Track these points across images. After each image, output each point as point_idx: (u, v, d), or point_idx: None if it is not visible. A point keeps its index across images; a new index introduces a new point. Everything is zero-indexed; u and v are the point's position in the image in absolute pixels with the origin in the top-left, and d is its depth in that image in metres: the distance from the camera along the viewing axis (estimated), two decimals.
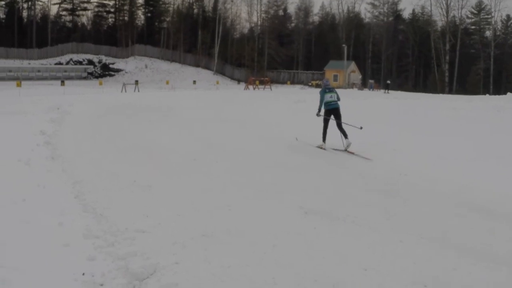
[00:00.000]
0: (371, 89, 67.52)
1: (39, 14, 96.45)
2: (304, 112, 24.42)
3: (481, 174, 11.72)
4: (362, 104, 35.13)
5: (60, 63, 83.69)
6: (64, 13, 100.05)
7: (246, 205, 8.65)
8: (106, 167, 11.43)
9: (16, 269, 5.54)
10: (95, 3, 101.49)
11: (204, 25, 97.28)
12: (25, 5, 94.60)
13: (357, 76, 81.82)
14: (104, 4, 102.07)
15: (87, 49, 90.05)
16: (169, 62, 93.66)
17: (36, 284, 5.27)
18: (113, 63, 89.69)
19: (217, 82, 68.18)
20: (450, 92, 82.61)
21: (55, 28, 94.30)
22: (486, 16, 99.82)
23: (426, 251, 6.68)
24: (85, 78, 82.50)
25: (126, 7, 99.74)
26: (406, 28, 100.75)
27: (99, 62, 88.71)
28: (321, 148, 15.54)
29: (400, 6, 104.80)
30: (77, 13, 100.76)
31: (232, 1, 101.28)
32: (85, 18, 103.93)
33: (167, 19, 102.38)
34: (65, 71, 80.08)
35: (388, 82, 65.15)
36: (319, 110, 16.11)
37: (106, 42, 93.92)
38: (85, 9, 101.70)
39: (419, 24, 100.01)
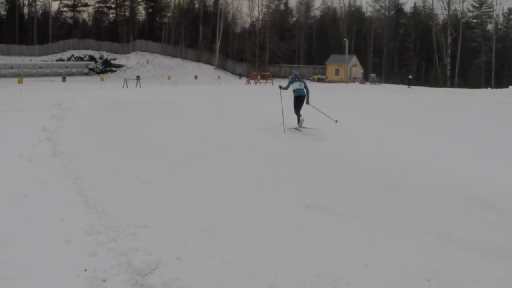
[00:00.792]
0: (372, 83, 67.34)
1: (40, 11, 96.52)
2: (305, 108, 24.42)
3: (484, 169, 11.68)
4: (363, 98, 35.10)
5: (61, 60, 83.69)
6: (65, 9, 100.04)
7: (247, 200, 8.65)
8: (107, 163, 11.43)
9: (18, 266, 5.55)
10: None
11: (205, 20, 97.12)
12: (26, 2, 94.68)
13: (358, 70, 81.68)
14: (105, 0, 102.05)
15: (89, 45, 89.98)
16: (171, 58, 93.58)
17: (38, 280, 5.28)
18: (114, 59, 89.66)
19: (219, 77, 68.22)
20: (452, 85, 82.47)
21: (56, 24, 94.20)
22: (487, 10, 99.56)
23: (429, 246, 6.67)
24: (86, 74, 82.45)
25: (127, 3, 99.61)
26: (408, 22, 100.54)
27: (101, 58, 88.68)
28: (297, 129, 17.64)
29: (401, 0, 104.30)
30: (78, 9, 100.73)
31: None
32: (86, 14, 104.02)
33: (168, 14, 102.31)
34: (67, 67, 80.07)
35: (410, 77, 64.86)
36: (284, 88, 18.79)
37: (107, 38, 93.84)
38: (86, 5, 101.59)
39: (421, 18, 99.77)
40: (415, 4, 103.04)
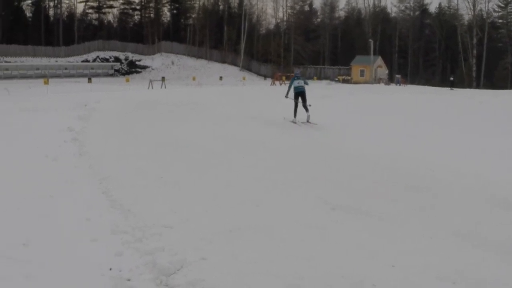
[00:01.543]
0: (398, 84, 66.95)
1: (66, 13, 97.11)
2: (330, 107, 24.41)
3: (510, 170, 11.60)
4: (389, 99, 34.94)
5: (86, 61, 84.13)
6: (90, 11, 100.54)
7: (273, 200, 8.64)
8: (133, 163, 11.46)
9: (43, 265, 5.58)
10: (121, 1, 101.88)
11: (230, 21, 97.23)
12: (51, 4, 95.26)
13: (383, 71, 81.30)
14: (130, 1, 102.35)
15: (114, 46, 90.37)
16: (195, 59, 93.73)
17: (63, 279, 5.30)
18: (139, 60, 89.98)
19: (244, 78, 68.13)
20: (478, 86, 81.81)
21: (81, 26, 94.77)
22: None
23: (454, 246, 6.63)
24: (111, 75, 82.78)
25: (151, 4, 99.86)
26: (433, 22, 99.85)
27: (126, 59, 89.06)
28: (293, 122, 19.97)
29: (426, 0, 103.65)
30: (103, 10, 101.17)
31: None
32: (111, 15, 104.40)
33: (193, 16, 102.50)
34: (92, 69, 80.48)
35: (452, 78, 64.34)
36: (287, 93, 20.98)
37: (132, 39, 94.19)
38: (111, 6, 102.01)
39: (446, 18, 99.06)
40: (440, 4, 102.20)
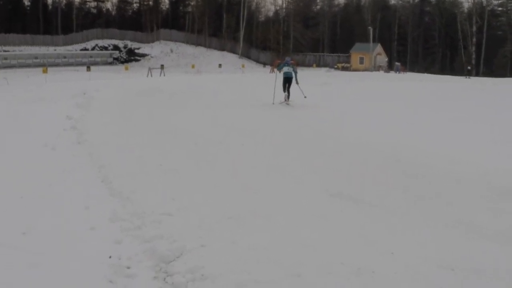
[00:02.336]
0: (397, 72, 66.86)
1: (64, 1, 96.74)
2: (329, 97, 24.44)
3: (509, 158, 11.59)
4: (387, 86, 34.93)
5: (85, 49, 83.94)
6: None
7: (272, 187, 8.64)
8: (132, 152, 11.45)
9: (43, 253, 5.59)
10: None
11: (229, 8, 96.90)
12: None
13: (383, 59, 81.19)
14: None
15: (112, 34, 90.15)
16: (195, 46, 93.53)
17: (63, 267, 5.31)
18: (138, 48, 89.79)
19: (243, 66, 68.03)
20: (477, 74, 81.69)
21: (80, 14, 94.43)
22: None
23: (453, 234, 6.63)
24: (110, 63, 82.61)
25: None
26: (432, 10, 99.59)
27: (125, 47, 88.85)
28: (286, 103, 22.30)
29: None
30: None
31: None
32: (110, 3, 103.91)
33: (192, 3, 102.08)
34: (91, 57, 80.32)
35: (469, 68, 64.11)
36: (278, 71, 23.70)
37: (131, 27, 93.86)
38: None
39: (445, 6, 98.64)
40: None
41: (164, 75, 49.00)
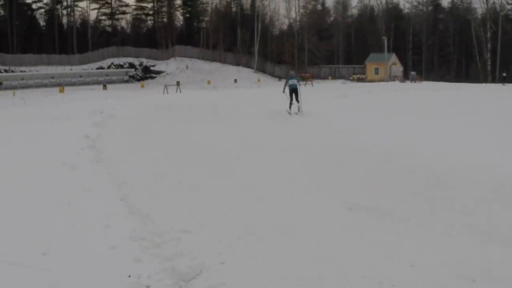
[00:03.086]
0: (413, 81, 66.67)
1: (79, 20, 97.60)
2: (345, 109, 24.43)
3: None
4: (404, 96, 34.84)
5: (101, 68, 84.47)
6: (103, 17, 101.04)
7: (290, 202, 8.63)
8: (150, 169, 11.48)
9: (63, 273, 5.59)
10: (133, 6, 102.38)
11: (243, 23, 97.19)
12: (64, 12, 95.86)
13: (398, 69, 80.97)
14: (143, 7, 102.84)
15: (128, 52, 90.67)
16: (210, 62, 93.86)
17: (83, 287, 5.31)
18: (154, 65, 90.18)
19: (258, 80, 68.10)
20: (493, 81, 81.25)
21: (95, 33, 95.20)
22: None
23: (474, 244, 6.59)
24: (126, 81, 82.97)
25: (164, 9, 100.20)
26: (446, 17, 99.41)
27: (140, 64, 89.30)
28: (288, 112, 23.66)
29: None
30: (116, 17, 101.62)
31: None
32: (124, 21, 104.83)
33: (206, 19, 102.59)
34: (107, 75, 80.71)
35: (504, 74, 63.65)
36: (284, 89, 25.31)
37: (146, 44, 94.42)
38: (124, 12, 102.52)
39: (459, 13, 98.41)
40: None
41: (180, 92, 49.08)
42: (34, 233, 6.91)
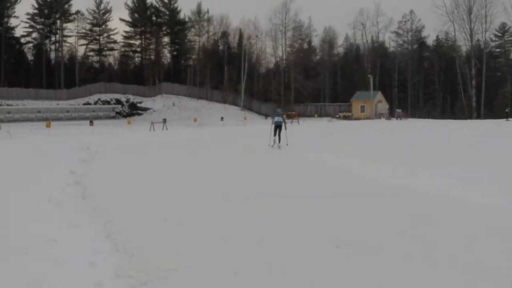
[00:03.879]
0: (398, 119, 67.17)
1: (67, 55, 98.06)
2: (333, 146, 24.51)
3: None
4: (390, 134, 35.02)
5: (88, 103, 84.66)
6: (91, 53, 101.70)
7: (279, 241, 8.59)
8: (137, 206, 11.43)
9: None
10: (121, 43, 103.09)
11: (230, 61, 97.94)
12: (52, 47, 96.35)
13: (384, 106, 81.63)
14: (131, 44, 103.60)
15: (115, 88, 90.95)
16: (196, 99, 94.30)
17: None
18: (140, 102, 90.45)
19: (245, 118, 68.43)
20: (478, 117, 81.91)
21: (82, 68, 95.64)
22: (510, 38, 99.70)
23: (463, 280, 6.58)
24: (113, 117, 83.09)
25: (152, 46, 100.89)
26: (431, 55, 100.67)
27: (127, 101, 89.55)
28: (270, 145, 26.13)
29: (424, 33, 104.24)
30: (104, 53, 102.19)
31: (257, 36, 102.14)
32: (112, 58, 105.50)
33: (193, 57, 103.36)
34: (94, 111, 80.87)
35: (507, 110, 64.01)
36: (272, 123, 27.12)
37: (133, 81, 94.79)
38: (111, 49, 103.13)
39: (444, 50, 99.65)
40: (437, 36, 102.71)
41: (167, 129, 49.23)
42: (19, 271, 6.84)
